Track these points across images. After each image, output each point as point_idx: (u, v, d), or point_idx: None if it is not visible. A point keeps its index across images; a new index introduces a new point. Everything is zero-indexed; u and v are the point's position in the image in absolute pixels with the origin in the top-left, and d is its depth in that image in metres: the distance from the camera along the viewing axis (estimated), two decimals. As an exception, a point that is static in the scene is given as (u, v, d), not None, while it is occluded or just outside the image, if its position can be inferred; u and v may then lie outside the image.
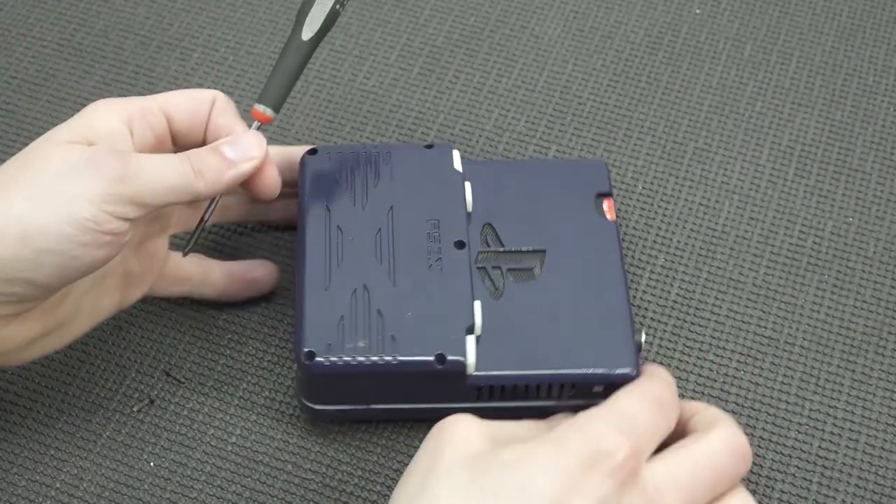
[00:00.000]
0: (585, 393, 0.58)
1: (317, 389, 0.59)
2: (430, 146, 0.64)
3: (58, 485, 0.60)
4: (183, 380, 0.63)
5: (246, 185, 0.60)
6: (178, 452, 0.61)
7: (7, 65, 0.76)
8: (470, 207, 0.62)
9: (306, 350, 0.57)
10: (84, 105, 0.74)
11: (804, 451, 0.61)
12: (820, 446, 0.61)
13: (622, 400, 0.54)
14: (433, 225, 0.61)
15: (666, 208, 0.70)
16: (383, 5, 0.79)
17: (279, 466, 0.61)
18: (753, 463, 0.61)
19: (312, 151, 0.64)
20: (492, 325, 0.59)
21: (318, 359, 0.57)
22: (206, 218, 0.61)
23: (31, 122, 0.73)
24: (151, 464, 0.61)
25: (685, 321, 0.65)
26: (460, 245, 0.60)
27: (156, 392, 0.63)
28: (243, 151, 0.58)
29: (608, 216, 0.62)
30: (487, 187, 0.63)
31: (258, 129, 0.60)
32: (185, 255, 0.61)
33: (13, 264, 0.54)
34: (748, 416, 0.62)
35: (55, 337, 0.59)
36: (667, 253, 0.68)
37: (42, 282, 0.55)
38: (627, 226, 0.69)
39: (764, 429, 0.62)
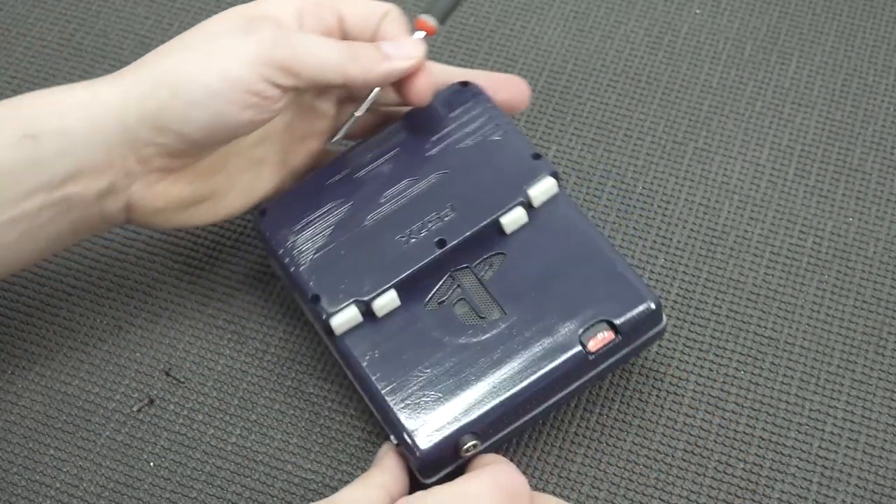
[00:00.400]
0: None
1: (265, 245, 0.63)
2: (537, 156, 0.62)
3: (58, 485, 0.60)
4: (183, 380, 0.63)
5: (398, 87, 0.61)
6: (178, 452, 0.61)
7: (7, 65, 0.76)
8: (508, 231, 0.60)
9: (262, 208, 0.63)
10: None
11: (804, 451, 0.61)
12: (820, 446, 0.61)
13: (465, 484, 0.52)
14: (448, 211, 0.60)
15: (666, 208, 0.70)
16: (383, 5, 0.79)
17: (279, 466, 0.61)
18: (753, 463, 0.61)
19: (464, 84, 0.64)
20: (401, 324, 0.59)
21: (263, 220, 0.62)
22: (356, 114, 0.63)
23: (31, 121, 0.73)
24: (151, 464, 0.61)
25: (685, 321, 0.65)
26: (440, 244, 0.60)
27: (156, 392, 0.63)
28: (401, 49, 0.60)
29: (589, 345, 0.57)
30: (550, 229, 0.60)
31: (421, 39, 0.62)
32: (331, 142, 0.64)
33: (164, 113, 0.56)
34: (748, 416, 0.62)
35: (207, 207, 0.61)
36: (667, 253, 0.68)
37: (190, 135, 0.57)
38: (627, 225, 0.69)
39: (764, 429, 0.62)
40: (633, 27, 0.78)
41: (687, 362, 0.64)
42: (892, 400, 0.63)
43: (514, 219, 0.60)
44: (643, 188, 0.70)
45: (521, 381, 0.57)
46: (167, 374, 0.64)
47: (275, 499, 0.60)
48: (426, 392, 0.57)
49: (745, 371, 0.64)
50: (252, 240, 0.68)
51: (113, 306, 0.66)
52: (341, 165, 0.63)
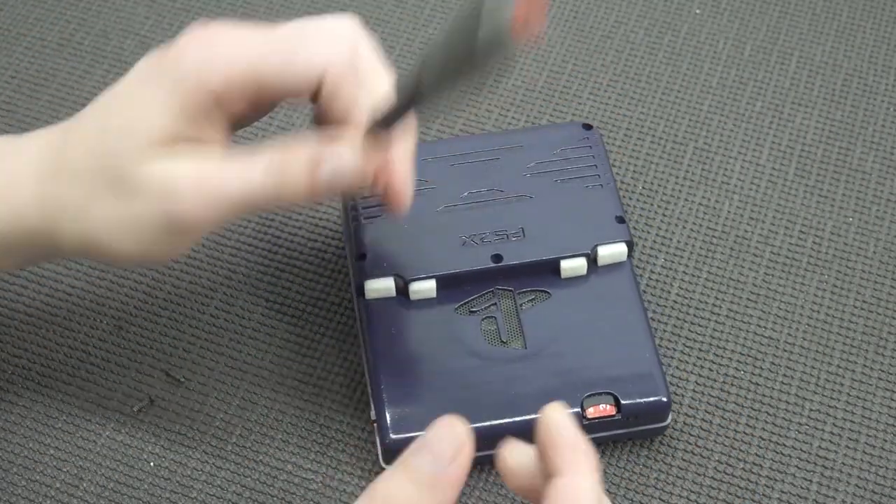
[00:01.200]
0: None
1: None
2: (621, 220, 0.62)
3: (58, 485, 0.60)
4: (183, 380, 0.63)
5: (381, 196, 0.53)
6: (178, 452, 0.61)
7: (7, 65, 0.76)
8: (564, 275, 0.61)
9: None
10: (84, 105, 0.74)
11: (804, 451, 0.61)
12: (820, 446, 0.61)
13: (381, 483, 0.46)
14: (517, 233, 0.61)
15: (666, 208, 0.70)
16: (383, 5, 0.79)
17: (279, 466, 0.61)
18: (753, 463, 0.61)
19: (588, 126, 0.65)
20: (428, 315, 0.60)
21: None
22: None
23: (31, 121, 0.73)
24: (151, 464, 0.61)
25: (685, 321, 0.65)
26: (497, 258, 0.61)
27: (156, 392, 0.63)
28: (337, 159, 0.50)
29: (588, 411, 0.57)
30: (602, 290, 0.61)
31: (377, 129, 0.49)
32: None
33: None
34: (748, 416, 0.62)
35: None
36: (667, 253, 0.68)
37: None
38: (627, 225, 0.69)
39: (764, 429, 0.62)
40: (633, 27, 0.78)
41: (687, 362, 0.64)
42: (892, 400, 0.63)
43: (573, 266, 0.61)
44: (643, 188, 0.70)
45: (510, 416, 0.57)
46: (167, 375, 0.64)
47: (275, 499, 0.60)
48: (419, 386, 0.58)
49: (745, 371, 0.64)
50: (254, 241, 0.68)
51: (113, 306, 0.66)
52: (444, 148, 0.65)
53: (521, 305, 0.60)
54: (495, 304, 0.60)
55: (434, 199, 0.63)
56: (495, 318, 0.60)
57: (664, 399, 0.58)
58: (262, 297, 0.66)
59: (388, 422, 0.57)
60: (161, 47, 0.52)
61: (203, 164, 0.51)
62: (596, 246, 0.61)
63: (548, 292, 0.61)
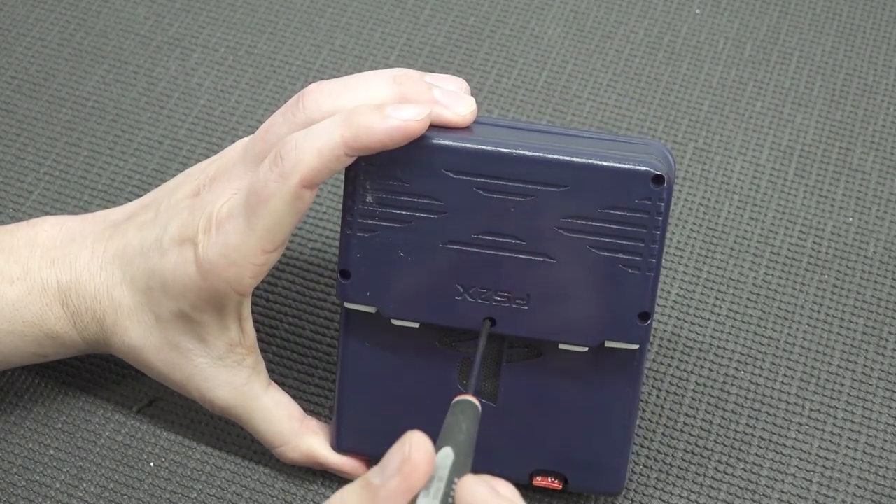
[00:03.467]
0: None
1: (345, 179, 0.55)
2: (646, 316, 0.54)
3: (58, 485, 0.60)
4: (183, 380, 0.63)
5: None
6: (178, 452, 0.61)
7: (7, 65, 0.76)
8: (561, 345, 0.55)
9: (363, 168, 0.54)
10: (84, 105, 0.74)
11: (804, 451, 0.61)
12: (820, 446, 0.61)
13: (340, 490, 0.48)
14: (522, 301, 0.54)
15: (666, 208, 0.70)
16: (383, 5, 0.79)
17: (279, 467, 0.61)
18: (753, 463, 0.61)
19: (658, 179, 0.52)
20: (406, 341, 0.56)
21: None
22: None
23: (32, 122, 0.73)
24: (151, 464, 0.61)
25: (685, 321, 0.65)
26: (491, 322, 0.54)
27: (156, 392, 0.63)
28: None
29: (536, 479, 0.57)
30: (598, 372, 0.55)
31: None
32: None
33: None
34: (748, 416, 0.62)
35: None
36: (667, 253, 0.68)
37: None
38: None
39: (764, 429, 0.62)
40: (633, 27, 0.78)
41: (687, 362, 0.64)
42: (892, 400, 0.63)
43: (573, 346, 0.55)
44: (643, 188, 0.70)
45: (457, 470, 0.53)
46: (167, 375, 0.64)
47: (275, 499, 0.60)
48: (379, 408, 0.57)
49: (745, 371, 0.64)
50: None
51: (113, 306, 0.66)
52: (473, 159, 0.53)
53: (506, 354, 0.56)
54: (476, 348, 0.55)
55: (443, 229, 0.53)
56: (473, 360, 0.54)
57: (617, 491, 0.58)
58: (262, 297, 0.66)
59: (341, 439, 0.58)
60: None
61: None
62: (604, 341, 0.54)
63: (539, 352, 0.56)
